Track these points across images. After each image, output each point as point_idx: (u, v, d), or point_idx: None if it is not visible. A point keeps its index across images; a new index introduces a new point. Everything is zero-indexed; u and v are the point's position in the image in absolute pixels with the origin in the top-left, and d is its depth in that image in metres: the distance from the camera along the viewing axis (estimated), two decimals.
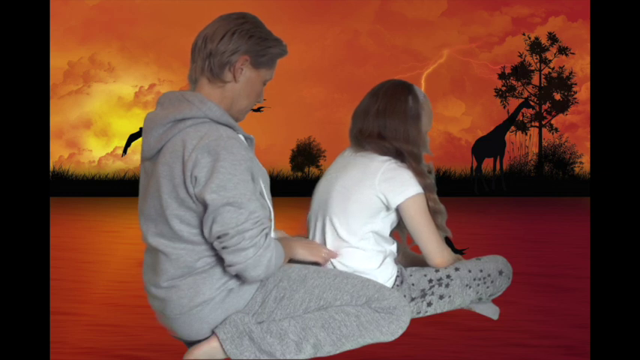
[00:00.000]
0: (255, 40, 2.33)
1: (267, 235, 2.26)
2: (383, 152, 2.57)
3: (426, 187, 2.56)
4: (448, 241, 2.70)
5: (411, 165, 2.56)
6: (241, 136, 2.35)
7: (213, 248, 2.29)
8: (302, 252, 2.52)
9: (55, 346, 3.62)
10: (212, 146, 2.22)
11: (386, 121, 2.58)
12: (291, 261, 2.50)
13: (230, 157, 2.22)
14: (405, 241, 2.70)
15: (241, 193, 2.22)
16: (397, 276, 2.57)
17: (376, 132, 2.59)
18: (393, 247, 2.63)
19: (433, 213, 2.57)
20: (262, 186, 2.36)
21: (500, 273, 2.65)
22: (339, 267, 2.55)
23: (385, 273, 2.55)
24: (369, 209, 2.54)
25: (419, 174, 2.56)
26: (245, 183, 2.24)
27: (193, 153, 2.22)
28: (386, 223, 2.58)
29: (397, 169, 2.54)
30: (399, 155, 2.57)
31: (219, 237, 2.23)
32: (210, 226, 2.23)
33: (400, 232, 2.67)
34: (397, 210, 2.56)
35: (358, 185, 2.55)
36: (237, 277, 2.31)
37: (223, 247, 2.23)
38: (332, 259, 2.56)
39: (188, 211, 2.27)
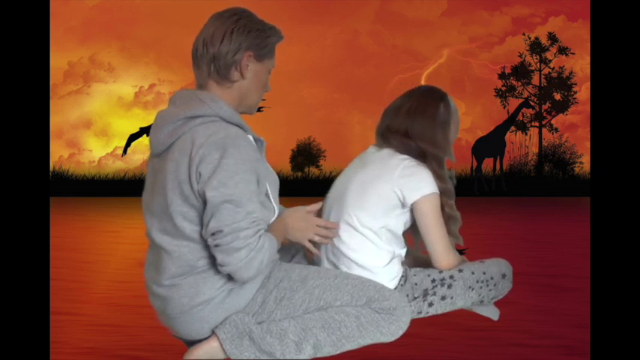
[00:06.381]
0: (254, 34, 2.35)
1: (260, 236, 2.26)
2: (406, 150, 2.59)
3: (444, 192, 2.57)
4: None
5: (432, 167, 2.57)
6: (250, 137, 2.35)
7: None
8: (295, 234, 2.44)
9: (55, 346, 3.62)
10: (220, 143, 2.22)
11: (415, 120, 2.60)
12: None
13: (236, 155, 2.22)
14: (418, 244, 2.69)
15: (241, 192, 2.22)
16: (402, 276, 2.57)
17: (403, 129, 2.60)
18: (403, 251, 2.63)
19: (447, 218, 2.58)
20: (269, 188, 2.36)
21: (503, 276, 2.65)
22: (349, 255, 2.55)
23: (391, 272, 2.55)
24: (385, 204, 2.54)
25: (439, 177, 2.56)
26: (247, 183, 2.24)
27: (201, 149, 2.23)
28: (400, 221, 2.58)
29: (416, 166, 2.55)
30: (421, 156, 2.58)
31: (213, 234, 2.22)
32: (207, 223, 2.23)
33: (413, 233, 2.66)
34: (412, 209, 2.57)
35: (376, 180, 2.56)
36: None
37: (216, 245, 2.23)
38: (341, 250, 2.55)
39: (191, 208, 2.27)
